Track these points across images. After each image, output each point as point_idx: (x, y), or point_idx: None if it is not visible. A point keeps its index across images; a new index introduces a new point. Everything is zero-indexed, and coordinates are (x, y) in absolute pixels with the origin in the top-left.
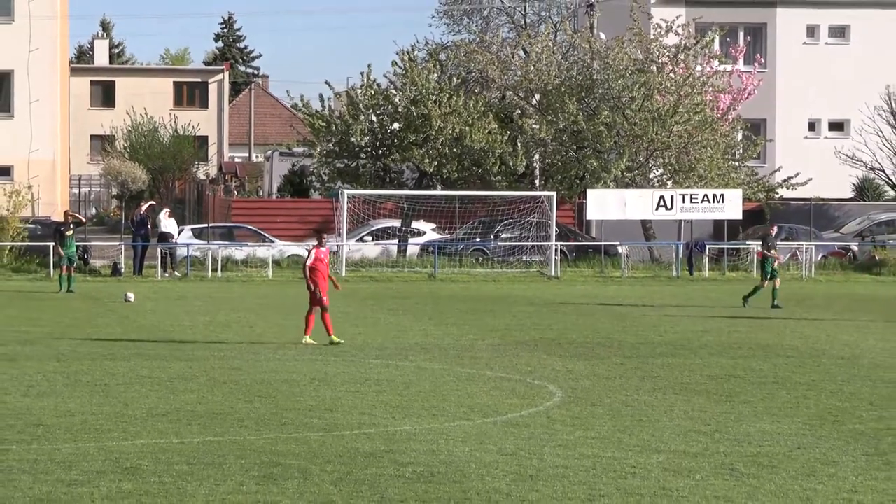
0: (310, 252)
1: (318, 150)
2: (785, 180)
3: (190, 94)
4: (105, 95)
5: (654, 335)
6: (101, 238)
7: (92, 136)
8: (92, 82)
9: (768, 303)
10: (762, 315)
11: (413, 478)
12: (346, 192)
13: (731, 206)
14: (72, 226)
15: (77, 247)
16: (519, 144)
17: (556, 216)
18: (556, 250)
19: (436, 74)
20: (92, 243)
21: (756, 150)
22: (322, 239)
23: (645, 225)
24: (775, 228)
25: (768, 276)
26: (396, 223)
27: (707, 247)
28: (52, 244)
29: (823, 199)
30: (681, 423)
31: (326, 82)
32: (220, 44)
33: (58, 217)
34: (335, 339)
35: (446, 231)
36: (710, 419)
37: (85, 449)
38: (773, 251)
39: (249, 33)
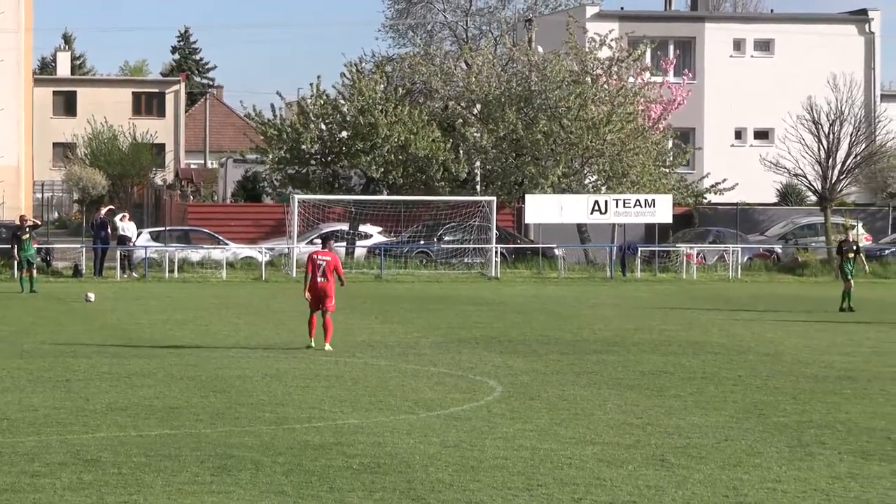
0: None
1: (270, 157)
2: (713, 186)
3: (148, 104)
4: (67, 105)
5: (589, 333)
6: (63, 241)
7: (54, 144)
8: (54, 92)
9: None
10: (691, 314)
11: (360, 469)
12: (296, 196)
13: (662, 210)
14: (27, 229)
15: (39, 249)
16: (461, 152)
17: (497, 220)
18: (496, 252)
19: (382, 85)
20: (54, 246)
21: (685, 158)
22: (325, 243)
23: (580, 228)
24: (850, 234)
25: (849, 277)
26: (345, 227)
27: (639, 249)
28: (12, 247)
29: (749, 204)
30: (614, 417)
31: (278, 93)
32: (177, 56)
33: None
34: (327, 346)
35: (392, 234)
36: (641, 412)
37: (47, 442)
38: (851, 254)
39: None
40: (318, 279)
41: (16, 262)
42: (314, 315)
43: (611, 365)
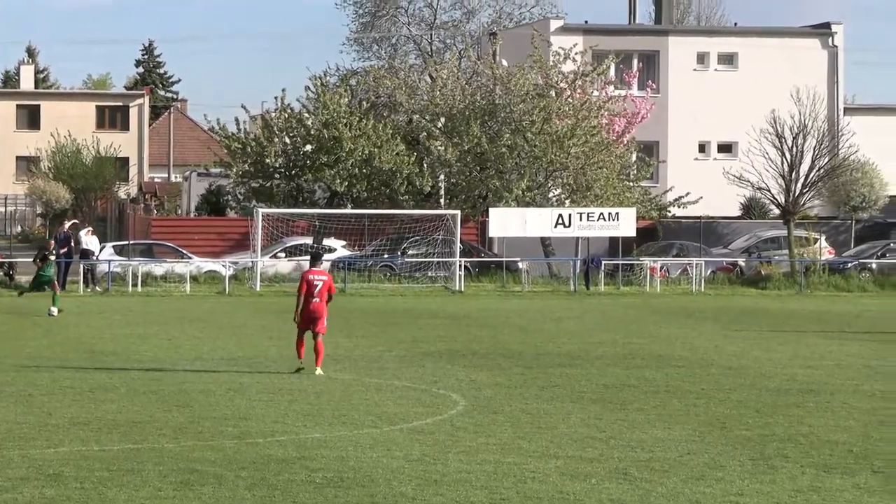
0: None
1: (234, 170)
2: (676, 199)
3: (112, 118)
4: (30, 118)
5: (553, 347)
6: (26, 255)
7: (18, 158)
8: (18, 106)
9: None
10: (654, 327)
11: (323, 483)
12: (260, 210)
13: (626, 223)
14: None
15: (2, 264)
16: (425, 165)
17: (461, 233)
18: (459, 266)
19: (346, 99)
20: (17, 260)
21: (649, 171)
22: (315, 261)
23: (544, 242)
24: None
25: None
26: (309, 240)
27: (603, 262)
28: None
29: (713, 217)
30: (577, 430)
31: (242, 106)
32: (141, 69)
33: None
34: (318, 370)
35: (356, 248)
36: (605, 426)
37: (9, 457)
38: None
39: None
40: (313, 300)
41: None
42: (303, 336)
43: (574, 378)
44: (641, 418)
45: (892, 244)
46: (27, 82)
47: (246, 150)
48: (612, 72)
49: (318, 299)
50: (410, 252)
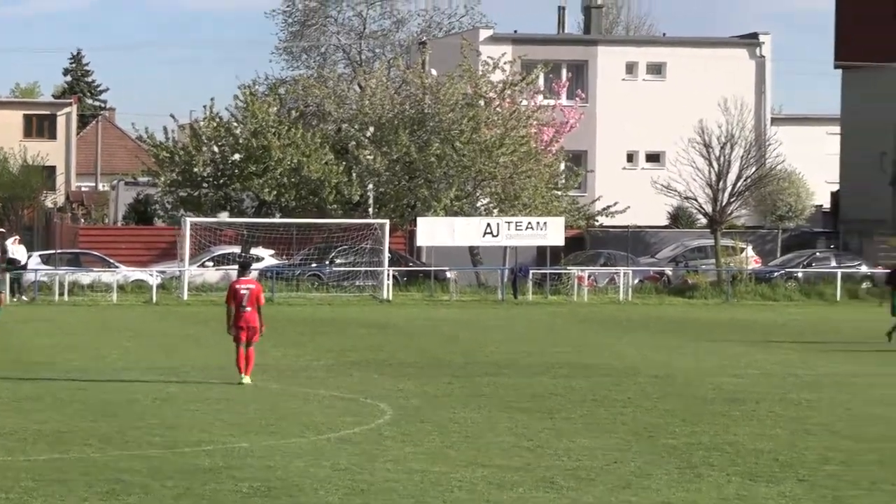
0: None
1: (163, 179)
2: (604, 209)
3: (39, 126)
4: None
5: (481, 355)
6: None
7: None
8: None
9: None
10: (582, 336)
11: (250, 492)
12: (188, 219)
13: (554, 233)
14: None
15: None
16: (354, 174)
17: (389, 242)
18: (388, 275)
19: (275, 108)
20: None
21: (577, 180)
22: (243, 271)
23: (472, 251)
24: None
25: None
26: (237, 249)
27: (530, 271)
28: None
29: (640, 227)
30: (505, 439)
31: (171, 115)
32: (69, 78)
33: None
34: (245, 378)
35: (284, 257)
36: (532, 435)
37: None
38: None
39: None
40: (244, 310)
41: None
42: (241, 348)
43: (502, 388)
44: (568, 427)
45: (817, 253)
46: None
47: (174, 160)
48: (540, 81)
49: (248, 308)
50: (338, 261)
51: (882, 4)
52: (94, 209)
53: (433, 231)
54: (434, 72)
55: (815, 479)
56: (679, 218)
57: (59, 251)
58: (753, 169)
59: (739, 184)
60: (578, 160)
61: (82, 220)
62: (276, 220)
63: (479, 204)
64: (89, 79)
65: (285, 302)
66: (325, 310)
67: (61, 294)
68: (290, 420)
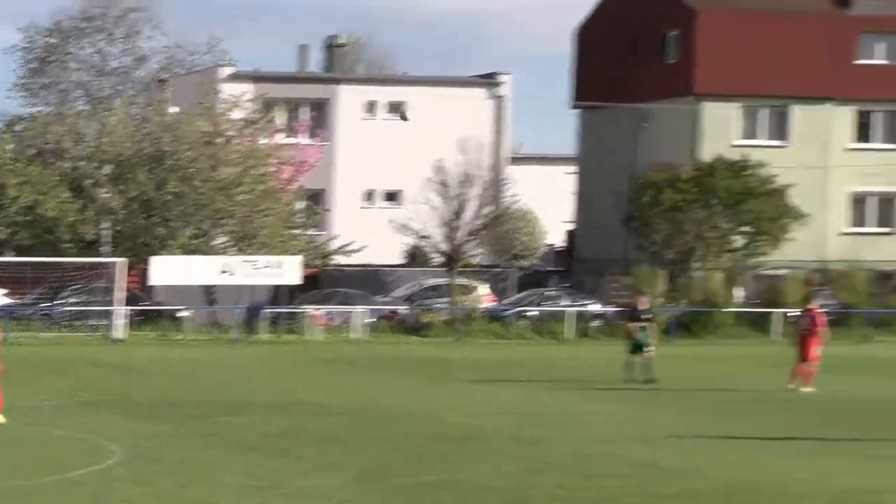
0: None
1: None
2: (341, 247)
3: None
4: None
5: (215, 395)
6: None
7: None
8: None
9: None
10: (315, 375)
11: None
12: None
13: (291, 271)
14: None
15: None
16: (90, 212)
17: (126, 281)
18: (122, 314)
19: (12, 145)
20: None
21: (315, 219)
22: None
23: (208, 289)
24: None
25: (642, 350)
26: None
27: (264, 310)
28: None
29: (377, 266)
30: (238, 479)
31: None
32: None
33: None
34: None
35: (18, 296)
36: (265, 474)
37: None
38: (642, 322)
39: None
40: None
41: None
42: None
43: (236, 427)
44: (302, 466)
45: (546, 292)
46: None
47: None
48: (281, 119)
49: None
50: (72, 300)
51: (618, 47)
52: None
53: (168, 270)
54: (176, 109)
55: None
56: (416, 256)
57: None
58: (489, 208)
59: (475, 223)
60: (317, 199)
61: None
62: (10, 258)
63: (215, 242)
64: None
65: (16, 342)
66: (56, 349)
67: None
68: (15, 461)
